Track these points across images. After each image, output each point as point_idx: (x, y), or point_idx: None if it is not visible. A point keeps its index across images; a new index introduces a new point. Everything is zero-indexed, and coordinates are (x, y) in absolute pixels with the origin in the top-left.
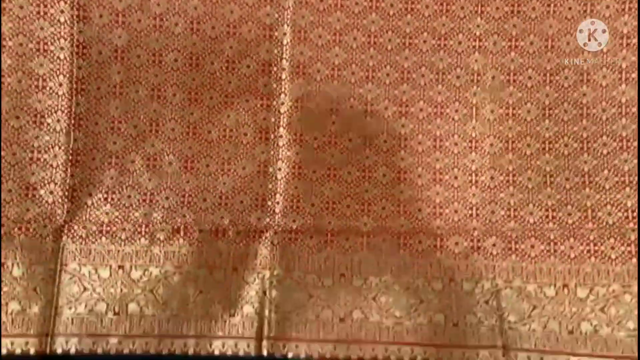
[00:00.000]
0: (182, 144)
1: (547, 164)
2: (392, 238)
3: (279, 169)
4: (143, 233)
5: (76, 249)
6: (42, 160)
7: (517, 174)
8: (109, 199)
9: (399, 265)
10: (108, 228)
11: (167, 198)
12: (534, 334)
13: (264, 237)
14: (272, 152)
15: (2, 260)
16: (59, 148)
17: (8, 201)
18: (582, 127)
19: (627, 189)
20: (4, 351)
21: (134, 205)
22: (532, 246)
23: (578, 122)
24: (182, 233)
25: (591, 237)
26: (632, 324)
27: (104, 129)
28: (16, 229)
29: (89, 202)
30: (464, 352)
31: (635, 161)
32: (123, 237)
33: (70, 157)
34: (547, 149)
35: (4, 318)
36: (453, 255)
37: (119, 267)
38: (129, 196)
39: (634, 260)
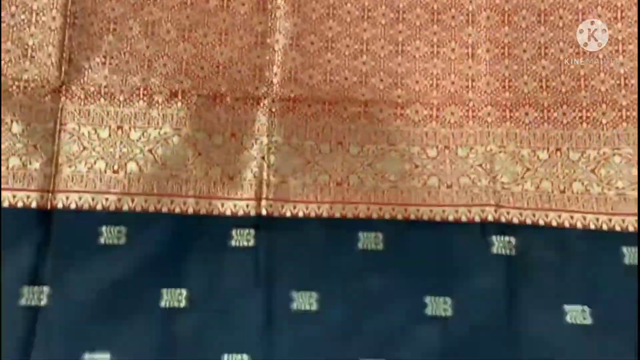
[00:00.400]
0: (179, 13)
1: (542, 36)
2: (389, 108)
3: (277, 40)
4: (141, 96)
5: (75, 109)
6: (40, 22)
7: (513, 47)
8: (107, 64)
9: (395, 134)
10: (106, 90)
11: (164, 65)
12: (526, 193)
13: (261, 105)
14: (269, 23)
15: (2, 117)
16: (57, 11)
17: (7, 61)
18: None
19: (620, 57)
20: (5, 204)
21: (132, 71)
22: (527, 113)
23: None
24: (180, 96)
25: (584, 104)
26: (620, 184)
27: None
28: (14, 87)
29: (87, 66)
30: (457, 210)
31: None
32: (122, 99)
33: (68, 20)
34: (542, 21)
35: (4, 172)
36: (449, 125)
37: (118, 127)
38: (127, 62)
39: (624, 124)
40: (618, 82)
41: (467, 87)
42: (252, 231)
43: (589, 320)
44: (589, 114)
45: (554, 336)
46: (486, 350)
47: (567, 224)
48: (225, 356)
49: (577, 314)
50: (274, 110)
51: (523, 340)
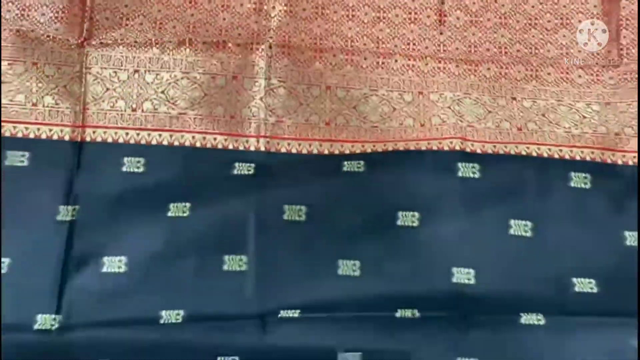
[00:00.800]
0: None
1: (503, 7)
2: (372, 56)
3: (273, 7)
4: (154, 44)
5: (98, 55)
6: None
7: (479, 15)
8: (124, 24)
9: (377, 80)
10: (122, 41)
11: (174, 27)
12: (488, 130)
13: (260, 50)
14: None
15: (35, 60)
16: None
17: (42, 22)
18: None
19: (564, 30)
20: (43, 136)
21: (145, 31)
22: (488, 69)
23: None
24: (187, 44)
25: (534, 64)
26: (566, 124)
27: None
28: (45, 36)
29: (107, 25)
30: (429, 142)
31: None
32: (137, 46)
33: None
34: None
35: (41, 109)
36: (423, 74)
37: (135, 71)
38: (141, 23)
39: (565, 84)
40: (561, 51)
41: (439, 50)
42: (253, 164)
43: (529, 234)
44: (538, 73)
45: (497, 244)
46: (444, 254)
47: (523, 153)
48: (226, 257)
49: (519, 227)
50: (270, 55)
51: (471, 246)
